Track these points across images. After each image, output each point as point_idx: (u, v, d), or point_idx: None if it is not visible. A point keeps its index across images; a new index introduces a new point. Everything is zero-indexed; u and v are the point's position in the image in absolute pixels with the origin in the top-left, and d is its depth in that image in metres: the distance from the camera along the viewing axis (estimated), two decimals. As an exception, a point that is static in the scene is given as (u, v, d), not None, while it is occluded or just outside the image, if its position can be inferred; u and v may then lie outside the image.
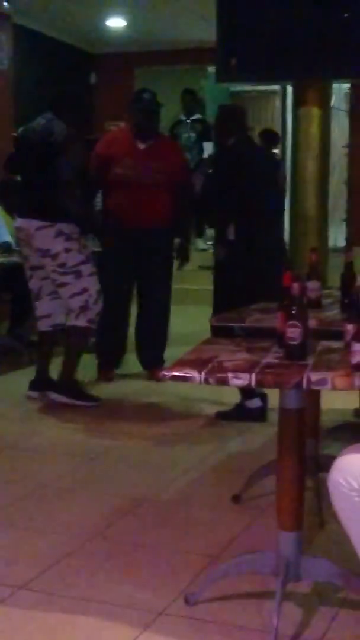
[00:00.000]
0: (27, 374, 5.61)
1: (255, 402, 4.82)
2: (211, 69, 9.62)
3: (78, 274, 5.14)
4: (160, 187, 5.64)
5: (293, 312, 2.59)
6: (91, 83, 11.27)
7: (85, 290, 5.16)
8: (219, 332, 3.57)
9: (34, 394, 5.37)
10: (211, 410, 5.03)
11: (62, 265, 5.11)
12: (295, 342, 2.58)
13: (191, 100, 10.69)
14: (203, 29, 8.64)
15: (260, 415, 4.81)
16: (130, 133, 5.75)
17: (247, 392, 4.80)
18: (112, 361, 5.97)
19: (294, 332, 2.58)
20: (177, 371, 2.54)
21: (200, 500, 3.77)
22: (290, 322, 2.58)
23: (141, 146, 5.69)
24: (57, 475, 4.06)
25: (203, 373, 2.49)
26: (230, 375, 2.49)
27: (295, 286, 2.61)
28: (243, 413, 4.85)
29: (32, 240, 5.15)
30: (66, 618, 2.70)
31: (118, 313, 5.77)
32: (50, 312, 5.36)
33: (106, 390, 5.70)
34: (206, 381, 2.49)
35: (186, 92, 10.70)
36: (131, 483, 3.97)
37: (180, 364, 2.62)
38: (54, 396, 5.23)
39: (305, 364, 2.55)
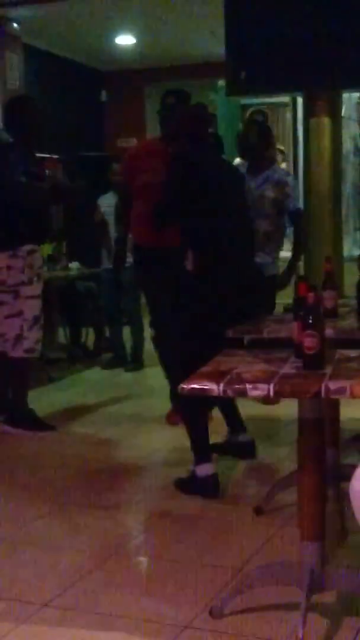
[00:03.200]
0: (45, 392, 5.59)
1: (205, 469, 3.88)
2: (221, 82, 9.65)
3: (16, 294, 4.93)
4: None
5: (310, 321, 2.59)
6: (102, 101, 11.34)
7: (20, 313, 4.94)
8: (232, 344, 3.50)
9: None
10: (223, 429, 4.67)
11: (3, 282, 4.92)
12: (312, 352, 2.58)
13: (202, 115, 10.70)
14: (212, 44, 8.68)
15: (212, 487, 3.87)
16: (162, 141, 5.07)
17: (199, 454, 3.91)
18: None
19: (311, 342, 2.58)
20: (195, 384, 2.55)
21: (222, 513, 3.75)
22: (307, 332, 2.58)
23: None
24: (76, 492, 4.06)
25: (221, 385, 2.49)
26: (249, 386, 2.49)
27: (311, 296, 2.62)
28: (192, 483, 3.92)
29: None
30: (91, 634, 2.70)
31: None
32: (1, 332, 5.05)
33: (124, 406, 5.70)
34: (225, 393, 2.49)
35: (197, 107, 10.72)
36: (150, 498, 3.97)
37: (198, 376, 2.62)
38: (6, 428, 5.07)
39: (323, 373, 2.55)
